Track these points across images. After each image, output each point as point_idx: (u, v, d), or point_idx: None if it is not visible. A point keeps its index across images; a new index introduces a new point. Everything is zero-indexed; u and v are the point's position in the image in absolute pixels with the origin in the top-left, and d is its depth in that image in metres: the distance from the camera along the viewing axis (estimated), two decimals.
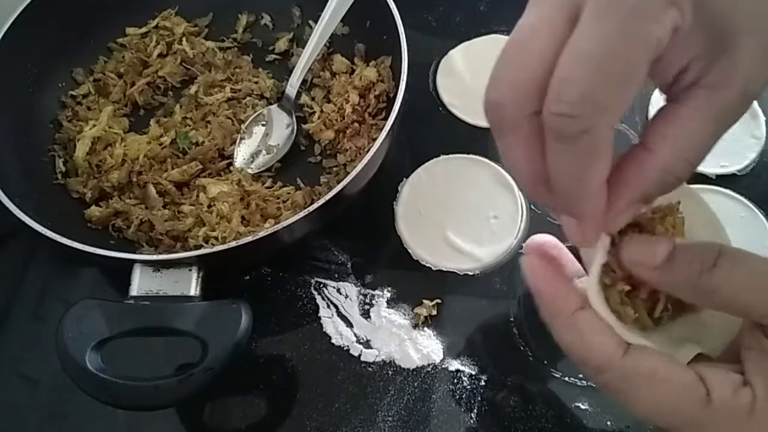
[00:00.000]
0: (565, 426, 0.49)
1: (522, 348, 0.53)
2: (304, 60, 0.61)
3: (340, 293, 0.56)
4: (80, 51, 0.66)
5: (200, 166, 0.60)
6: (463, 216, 0.59)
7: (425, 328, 0.54)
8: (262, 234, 0.48)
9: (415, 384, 0.52)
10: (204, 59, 0.67)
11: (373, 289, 0.56)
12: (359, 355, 0.53)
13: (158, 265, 0.48)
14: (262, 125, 0.63)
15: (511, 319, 0.54)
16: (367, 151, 0.51)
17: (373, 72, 0.62)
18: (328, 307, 0.56)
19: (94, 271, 0.59)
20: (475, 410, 0.51)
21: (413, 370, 0.52)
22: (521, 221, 0.58)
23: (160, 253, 0.54)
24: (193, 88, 0.65)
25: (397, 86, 0.55)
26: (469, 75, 0.66)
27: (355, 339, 0.54)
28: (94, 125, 0.62)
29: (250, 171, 0.60)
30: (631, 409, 0.29)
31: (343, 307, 0.56)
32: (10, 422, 0.53)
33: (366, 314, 0.55)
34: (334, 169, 0.61)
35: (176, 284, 0.47)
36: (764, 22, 0.26)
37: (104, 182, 0.59)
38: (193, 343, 0.45)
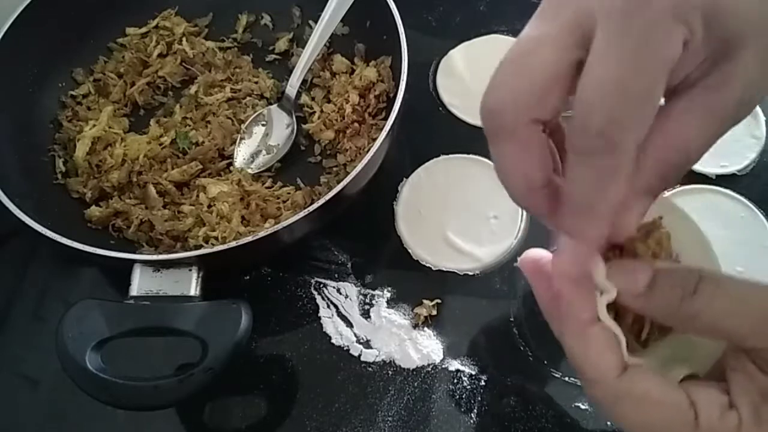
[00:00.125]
0: (565, 426, 0.49)
1: (522, 348, 0.53)
2: (304, 60, 0.61)
3: (340, 293, 0.56)
4: (80, 51, 0.66)
5: (200, 166, 0.60)
6: (463, 216, 0.59)
7: (425, 328, 0.54)
8: (262, 234, 0.48)
9: (415, 384, 0.52)
10: (204, 59, 0.67)
11: (373, 289, 0.56)
12: (359, 355, 0.53)
13: (158, 265, 0.48)
14: (262, 125, 0.63)
15: (511, 319, 0.54)
16: (367, 151, 0.51)
17: (373, 72, 0.62)
18: (328, 307, 0.56)
19: (94, 271, 0.59)
20: (475, 410, 0.51)
21: (413, 370, 0.52)
22: (521, 221, 0.58)
23: (160, 253, 0.54)
24: (193, 88, 0.65)
25: (397, 86, 0.55)
26: (469, 75, 0.66)
27: (355, 339, 0.54)
28: (94, 125, 0.62)
29: (250, 171, 0.60)
30: (618, 424, 0.30)
31: (343, 307, 0.56)
32: (10, 422, 0.53)
33: (366, 314, 0.55)
34: (334, 169, 0.61)
35: (176, 284, 0.47)
36: (765, 30, 0.27)
37: (104, 182, 0.59)
38: (193, 343, 0.45)
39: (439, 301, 0.55)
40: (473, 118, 0.64)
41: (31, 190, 0.56)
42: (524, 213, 0.58)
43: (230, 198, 0.57)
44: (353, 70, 0.64)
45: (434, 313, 0.54)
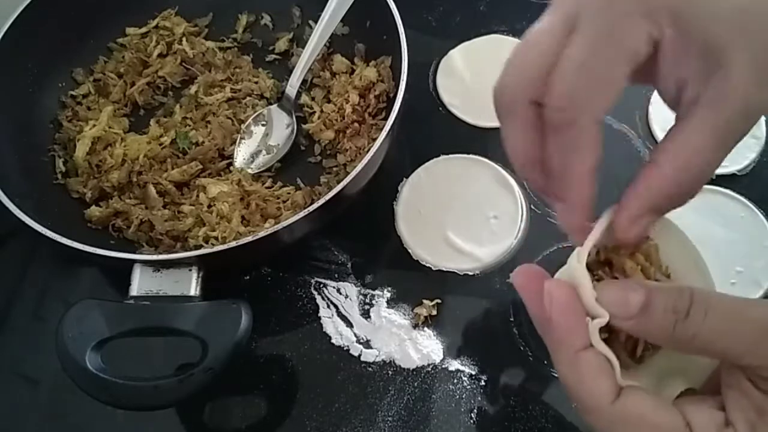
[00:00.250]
0: (565, 426, 0.49)
1: (522, 348, 0.53)
2: (304, 60, 0.61)
3: (340, 293, 0.56)
4: (80, 51, 0.66)
5: (200, 166, 0.60)
6: (463, 216, 0.59)
7: (425, 328, 0.54)
8: (262, 234, 0.48)
9: (415, 384, 0.52)
10: (204, 59, 0.67)
11: (373, 289, 0.56)
12: (359, 355, 0.53)
13: (158, 265, 0.48)
14: (262, 125, 0.63)
15: (511, 319, 0.54)
16: (367, 151, 0.51)
17: (373, 72, 0.62)
18: (328, 307, 0.56)
19: (94, 271, 0.59)
20: (475, 410, 0.51)
21: (413, 370, 0.52)
22: (521, 221, 0.58)
23: (160, 253, 0.54)
24: (193, 88, 0.65)
25: (397, 86, 0.55)
26: (469, 75, 0.66)
27: (355, 339, 0.54)
28: (94, 125, 0.62)
29: (250, 171, 0.60)
30: None
31: (343, 307, 0.56)
32: (10, 422, 0.53)
33: (366, 314, 0.55)
34: (334, 169, 0.61)
35: (176, 284, 0.47)
36: (752, 38, 0.28)
37: (104, 182, 0.59)
38: (193, 343, 0.45)
39: (439, 301, 0.55)
40: (473, 118, 0.64)
41: (31, 190, 0.56)
42: (524, 213, 0.58)
43: (230, 198, 0.57)
44: (353, 70, 0.64)
45: (434, 313, 0.54)
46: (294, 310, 0.56)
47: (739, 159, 0.60)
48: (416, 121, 0.63)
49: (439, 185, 0.60)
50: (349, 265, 0.58)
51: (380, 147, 0.52)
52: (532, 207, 0.59)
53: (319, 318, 0.55)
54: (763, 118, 0.61)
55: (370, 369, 0.53)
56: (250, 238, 0.48)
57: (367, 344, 0.54)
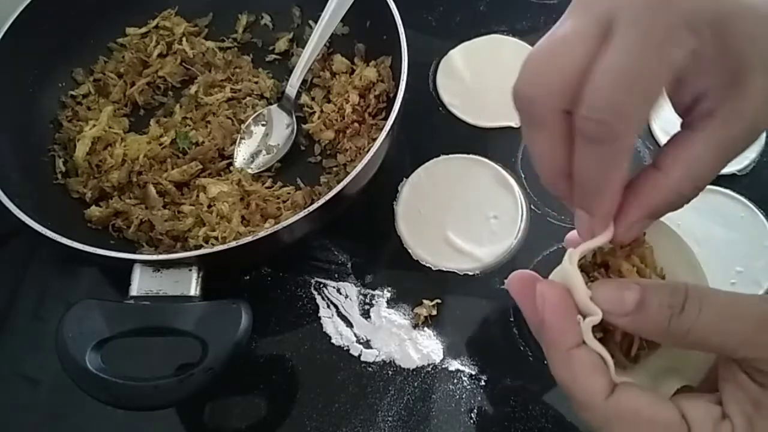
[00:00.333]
0: (565, 426, 0.49)
1: (522, 348, 0.53)
2: (304, 60, 0.61)
3: (340, 293, 0.56)
4: (80, 51, 0.66)
5: (200, 166, 0.60)
6: (463, 216, 0.59)
7: (425, 328, 0.54)
8: (262, 234, 0.48)
9: (415, 384, 0.52)
10: (204, 59, 0.67)
11: (373, 289, 0.56)
12: (359, 355, 0.53)
13: (158, 265, 0.48)
14: (262, 125, 0.63)
15: (511, 319, 0.54)
16: (367, 151, 0.51)
17: (373, 72, 0.62)
18: (328, 307, 0.56)
19: (94, 271, 0.59)
20: (475, 410, 0.51)
21: (413, 370, 0.52)
22: (521, 221, 0.58)
23: (160, 253, 0.54)
24: (193, 88, 0.65)
25: (397, 86, 0.55)
26: (469, 75, 0.66)
27: (355, 339, 0.54)
28: (94, 125, 0.62)
29: (250, 171, 0.60)
30: None
31: (343, 307, 0.56)
32: (10, 422, 0.53)
33: (366, 314, 0.55)
34: (334, 169, 0.61)
35: (176, 284, 0.47)
36: None
37: (104, 182, 0.59)
38: (193, 343, 0.45)
39: (439, 301, 0.55)
40: (473, 118, 0.64)
41: (31, 190, 0.56)
42: (524, 213, 0.58)
43: (230, 198, 0.57)
44: (353, 70, 0.64)
45: (434, 313, 0.54)
46: (294, 310, 0.56)
47: (739, 159, 0.58)
48: (416, 121, 0.63)
49: (439, 185, 0.60)
50: (349, 265, 0.58)
51: (380, 147, 0.52)
52: (532, 207, 0.59)
53: (319, 318, 0.55)
54: None
55: (370, 369, 0.53)
56: (250, 238, 0.48)
57: (367, 344, 0.54)
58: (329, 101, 0.63)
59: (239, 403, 0.52)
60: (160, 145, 0.61)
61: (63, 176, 0.60)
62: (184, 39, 0.67)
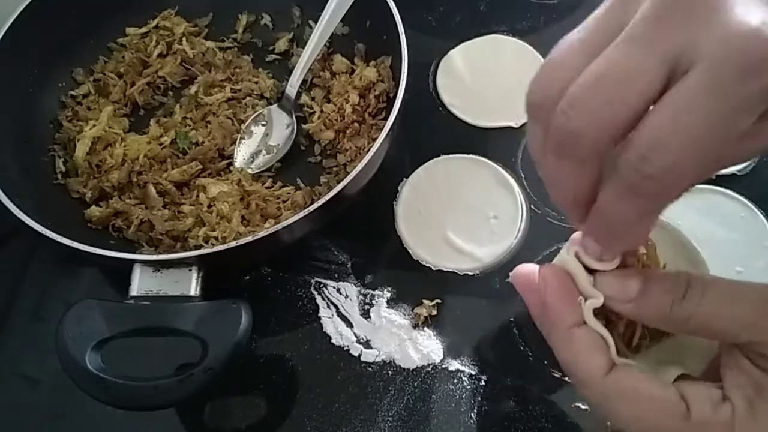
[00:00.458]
0: (565, 426, 0.49)
1: (522, 348, 0.53)
2: (304, 60, 0.61)
3: (340, 293, 0.56)
4: (80, 51, 0.66)
5: (200, 166, 0.60)
6: (463, 216, 0.59)
7: (425, 328, 0.54)
8: (262, 234, 0.48)
9: (415, 384, 0.52)
10: (204, 59, 0.67)
11: (373, 289, 0.56)
12: (359, 355, 0.53)
13: (158, 265, 0.48)
14: (262, 125, 0.63)
15: (511, 319, 0.54)
16: (367, 151, 0.51)
17: (373, 72, 0.62)
18: (328, 307, 0.56)
19: (94, 271, 0.59)
20: (475, 410, 0.51)
21: (413, 370, 0.52)
22: (521, 221, 0.58)
23: (160, 253, 0.54)
24: (193, 88, 0.65)
25: (397, 86, 0.55)
26: (469, 75, 0.66)
27: (355, 339, 0.54)
28: (94, 125, 0.62)
29: (250, 171, 0.60)
30: (612, 421, 0.30)
31: (343, 307, 0.56)
32: (10, 422, 0.53)
33: (366, 314, 0.55)
34: (334, 169, 0.61)
35: (176, 284, 0.47)
36: None
37: (104, 182, 0.59)
38: (193, 343, 0.45)
39: (439, 301, 0.55)
40: (473, 118, 0.64)
41: (31, 190, 0.56)
42: (524, 213, 0.58)
43: (230, 198, 0.57)
44: (353, 70, 0.64)
45: (434, 313, 0.54)
46: (294, 310, 0.56)
47: None
48: (416, 121, 0.63)
49: (439, 185, 0.60)
50: (349, 265, 0.58)
51: (380, 147, 0.52)
52: (532, 207, 0.59)
53: (319, 318, 0.55)
54: None
55: (370, 369, 0.53)
56: (250, 238, 0.48)
57: (367, 344, 0.54)
58: (329, 101, 0.63)
59: (239, 403, 0.52)
60: (160, 145, 0.61)
61: (63, 176, 0.60)
62: (184, 39, 0.67)
